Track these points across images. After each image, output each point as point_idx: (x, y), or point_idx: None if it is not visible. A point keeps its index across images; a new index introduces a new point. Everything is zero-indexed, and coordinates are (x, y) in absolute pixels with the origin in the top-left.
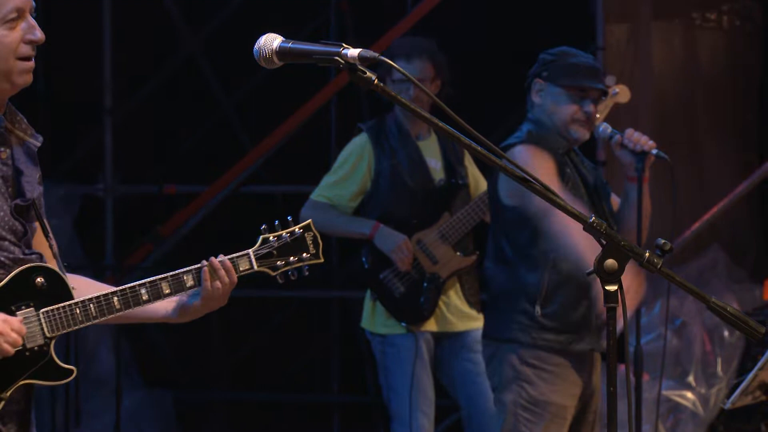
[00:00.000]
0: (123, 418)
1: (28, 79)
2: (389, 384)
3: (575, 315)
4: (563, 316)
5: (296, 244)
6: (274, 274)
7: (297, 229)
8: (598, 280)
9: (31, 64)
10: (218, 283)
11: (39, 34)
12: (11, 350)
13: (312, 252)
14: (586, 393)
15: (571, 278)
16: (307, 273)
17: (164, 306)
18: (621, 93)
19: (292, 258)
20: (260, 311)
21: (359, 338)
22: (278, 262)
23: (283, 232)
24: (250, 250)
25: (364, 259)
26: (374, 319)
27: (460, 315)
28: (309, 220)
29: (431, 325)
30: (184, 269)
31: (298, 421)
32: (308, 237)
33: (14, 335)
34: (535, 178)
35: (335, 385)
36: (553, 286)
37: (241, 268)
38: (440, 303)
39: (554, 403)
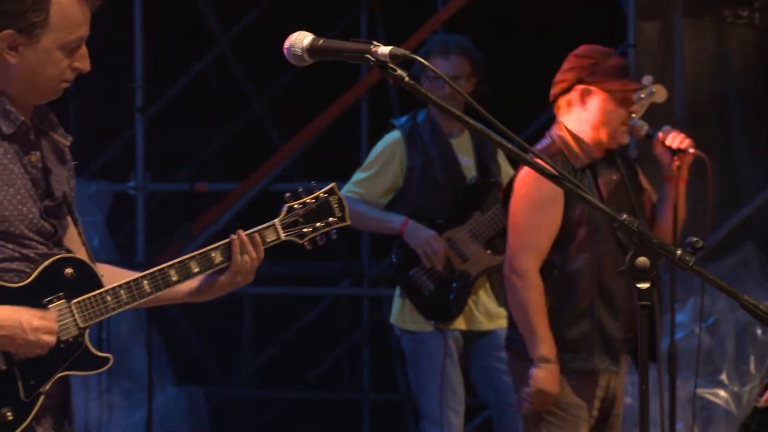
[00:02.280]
0: (155, 414)
1: (55, 96)
2: (419, 381)
3: (573, 333)
4: (561, 334)
5: (322, 209)
6: (301, 242)
7: (321, 194)
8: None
9: (67, 86)
10: (247, 258)
11: (87, 66)
12: (53, 339)
13: (338, 215)
14: (606, 398)
15: (571, 296)
16: (335, 237)
17: (190, 285)
18: (658, 92)
19: (318, 223)
20: (291, 309)
21: (390, 336)
22: (305, 230)
23: (308, 199)
24: (276, 220)
25: (393, 255)
26: (404, 315)
27: (489, 313)
28: (333, 184)
29: (460, 324)
30: (212, 246)
31: (328, 419)
32: (333, 200)
33: (46, 339)
34: (564, 175)
35: (366, 382)
36: (557, 303)
37: (267, 240)
38: (469, 301)
39: (574, 404)
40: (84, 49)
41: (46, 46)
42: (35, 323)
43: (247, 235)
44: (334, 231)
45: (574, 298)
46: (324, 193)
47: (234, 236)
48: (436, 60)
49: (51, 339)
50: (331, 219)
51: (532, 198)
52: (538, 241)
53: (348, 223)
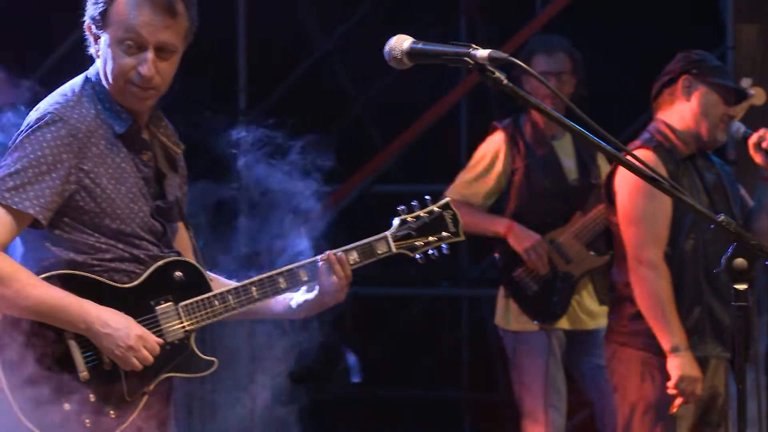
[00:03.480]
0: (258, 413)
1: (139, 104)
2: (522, 381)
3: (685, 320)
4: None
5: (435, 224)
6: (412, 255)
7: (435, 208)
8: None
9: (139, 91)
10: (334, 278)
11: (144, 71)
12: (139, 366)
13: (452, 230)
14: (707, 395)
15: (680, 282)
16: (447, 252)
17: (282, 302)
18: (757, 95)
19: (431, 237)
20: (392, 309)
21: (489, 336)
22: (417, 243)
23: (421, 212)
24: (388, 233)
25: (497, 257)
26: (507, 316)
27: (592, 313)
28: (448, 198)
29: (564, 323)
30: (298, 263)
31: (428, 418)
32: (447, 215)
33: (145, 353)
34: (663, 177)
35: (465, 382)
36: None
37: (378, 252)
38: (573, 302)
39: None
40: (148, 54)
41: (106, 40)
42: (140, 331)
43: (334, 254)
44: (447, 246)
45: (683, 284)
46: (438, 207)
47: (322, 257)
48: (540, 57)
49: (148, 355)
50: (444, 233)
51: (643, 190)
52: (658, 230)
53: (462, 239)
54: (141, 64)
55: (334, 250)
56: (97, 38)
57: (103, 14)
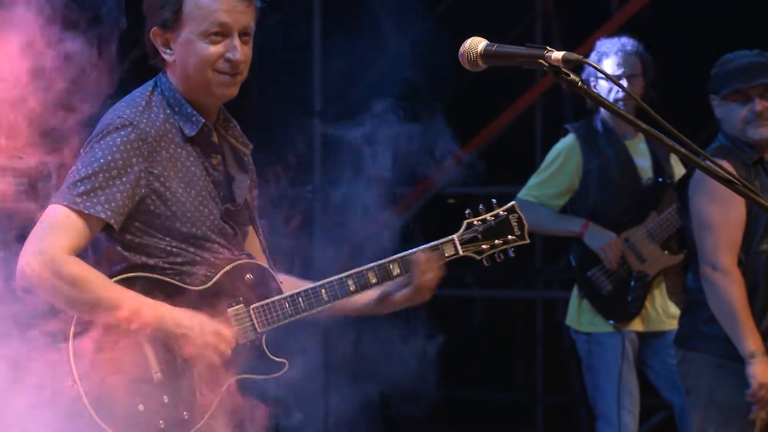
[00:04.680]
0: (330, 413)
1: (227, 92)
2: (595, 383)
3: (761, 327)
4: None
5: (501, 227)
6: (479, 258)
7: (501, 212)
8: None
9: (229, 79)
10: (429, 276)
11: (235, 56)
12: (217, 360)
13: (517, 233)
14: None
15: (755, 289)
16: (512, 255)
17: (367, 298)
18: None
19: (497, 241)
20: (465, 310)
21: (563, 337)
22: (483, 246)
23: (487, 216)
24: (455, 236)
25: (572, 256)
26: (580, 317)
27: (666, 314)
28: (513, 202)
29: (637, 325)
30: (389, 258)
31: (502, 419)
32: (513, 219)
33: (223, 347)
34: (738, 179)
35: (539, 383)
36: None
37: (446, 254)
38: (646, 303)
39: (745, 408)
40: (236, 40)
41: (186, 37)
42: (214, 326)
43: (428, 249)
44: (513, 249)
45: (757, 290)
46: (504, 210)
47: (418, 254)
48: (610, 60)
49: (226, 348)
50: (510, 237)
51: (717, 195)
52: (732, 236)
53: (527, 242)
54: (230, 50)
55: (403, 253)
56: (167, 42)
57: (177, 13)
